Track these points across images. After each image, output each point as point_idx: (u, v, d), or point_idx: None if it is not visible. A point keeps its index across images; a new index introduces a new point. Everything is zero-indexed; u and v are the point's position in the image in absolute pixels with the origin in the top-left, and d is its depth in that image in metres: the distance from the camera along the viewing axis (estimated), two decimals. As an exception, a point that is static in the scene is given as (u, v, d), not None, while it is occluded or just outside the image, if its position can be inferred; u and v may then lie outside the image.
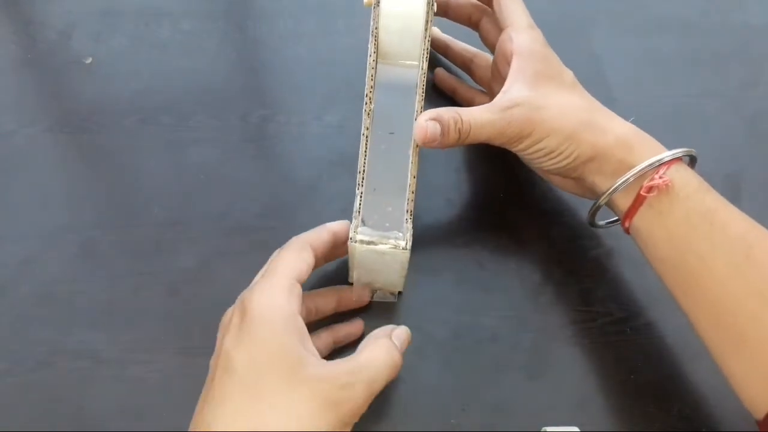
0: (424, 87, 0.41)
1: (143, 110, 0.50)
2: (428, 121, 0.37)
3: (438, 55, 0.52)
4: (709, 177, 0.39)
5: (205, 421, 0.31)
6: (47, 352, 0.41)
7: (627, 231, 0.40)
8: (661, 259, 0.38)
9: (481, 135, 0.39)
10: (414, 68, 0.42)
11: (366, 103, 0.40)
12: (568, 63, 0.47)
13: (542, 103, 0.39)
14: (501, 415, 0.40)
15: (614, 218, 0.42)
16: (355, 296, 0.41)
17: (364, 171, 0.39)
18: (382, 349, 0.34)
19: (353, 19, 0.55)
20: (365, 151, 0.39)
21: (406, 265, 0.39)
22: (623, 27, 0.56)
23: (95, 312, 0.42)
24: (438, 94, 0.51)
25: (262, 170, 0.48)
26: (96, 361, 0.40)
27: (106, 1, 0.55)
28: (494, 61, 0.44)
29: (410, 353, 0.41)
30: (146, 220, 0.45)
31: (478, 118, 0.38)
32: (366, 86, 0.40)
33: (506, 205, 0.47)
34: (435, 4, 0.42)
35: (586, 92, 0.42)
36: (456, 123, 0.38)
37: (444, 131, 0.38)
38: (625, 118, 0.40)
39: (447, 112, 0.38)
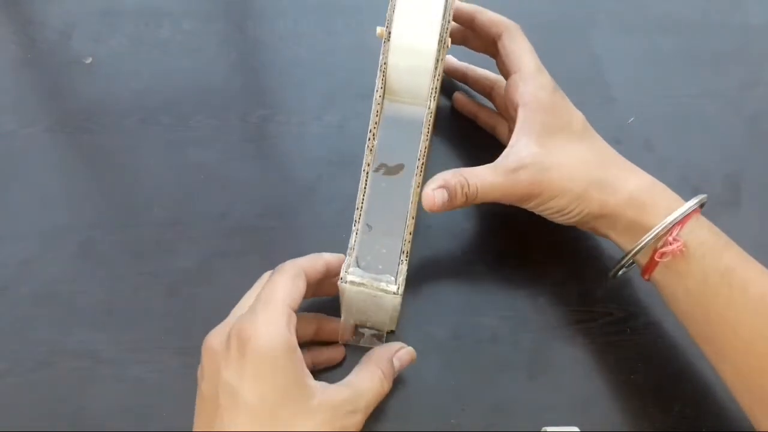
0: (431, 127, 0.40)
1: (143, 110, 0.50)
2: (435, 190, 0.37)
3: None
4: (709, 177, 0.40)
5: None
6: (47, 352, 0.41)
7: (648, 280, 0.39)
8: (684, 314, 0.38)
9: (488, 197, 0.39)
10: (422, 107, 0.40)
11: (369, 139, 0.39)
12: (568, 63, 0.47)
13: (549, 163, 0.38)
14: (501, 415, 0.40)
15: (629, 264, 0.41)
16: (339, 333, 0.40)
17: (362, 208, 0.38)
18: (376, 381, 0.36)
19: (353, 19, 0.55)
20: (364, 188, 0.38)
21: (398, 308, 0.38)
22: (623, 27, 0.56)
23: (95, 312, 0.42)
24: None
25: (262, 170, 0.48)
26: (96, 361, 0.40)
27: (106, 1, 0.55)
28: (505, 103, 0.43)
29: (410, 353, 0.41)
30: (146, 220, 0.45)
31: (485, 181, 0.38)
32: (370, 122, 0.39)
33: (506, 205, 0.47)
34: (448, 43, 0.41)
35: (597, 139, 0.41)
36: (463, 188, 0.38)
37: (451, 196, 0.38)
38: (625, 118, 0.40)
39: (453, 178, 0.38)
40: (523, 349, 0.42)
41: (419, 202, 0.38)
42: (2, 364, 0.40)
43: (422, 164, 0.39)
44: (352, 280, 0.36)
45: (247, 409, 0.31)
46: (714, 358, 0.37)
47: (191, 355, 0.40)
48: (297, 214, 0.46)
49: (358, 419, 0.34)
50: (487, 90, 0.48)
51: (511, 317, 0.43)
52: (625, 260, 0.39)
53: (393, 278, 0.36)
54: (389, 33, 0.39)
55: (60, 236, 0.44)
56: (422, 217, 0.45)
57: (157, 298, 0.42)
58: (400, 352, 0.38)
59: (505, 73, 0.43)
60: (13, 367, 0.40)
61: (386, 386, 0.36)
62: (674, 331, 0.43)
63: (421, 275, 0.44)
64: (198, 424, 0.33)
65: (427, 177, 0.39)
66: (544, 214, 0.40)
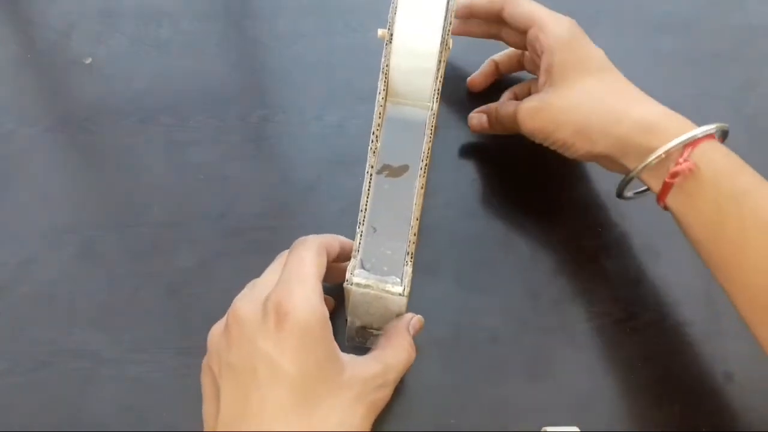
0: (433, 128, 0.40)
1: (143, 110, 0.50)
2: (478, 117, 0.47)
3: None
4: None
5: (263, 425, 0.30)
6: (47, 352, 0.41)
7: (665, 209, 0.40)
8: (697, 238, 0.38)
9: (509, 126, 0.45)
10: (424, 108, 0.41)
11: (372, 141, 0.39)
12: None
13: (554, 97, 0.41)
14: (501, 415, 0.40)
15: (642, 188, 0.42)
16: (346, 334, 0.40)
17: (366, 210, 0.38)
18: (404, 352, 0.35)
19: (353, 19, 0.55)
20: (368, 190, 0.38)
21: (404, 309, 0.38)
22: (623, 27, 0.56)
23: (95, 312, 0.42)
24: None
25: (262, 170, 0.48)
26: (96, 361, 0.40)
27: (106, 1, 0.55)
28: (532, 58, 0.46)
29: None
30: (146, 220, 0.45)
31: (507, 111, 0.45)
32: (373, 124, 0.39)
33: (506, 205, 0.47)
34: (450, 44, 0.41)
35: (613, 72, 0.42)
36: (493, 112, 0.46)
37: (490, 122, 0.46)
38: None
39: (492, 105, 0.47)
40: (523, 349, 0.42)
41: (423, 204, 0.38)
42: (2, 364, 0.40)
43: (425, 165, 0.39)
44: (358, 282, 0.36)
45: (288, 381, 0.31)
46: (724, 281, 0.37)
47: (191, 355, 0.40)
48: (297, 214, 0.46)
49: (386, 393, 0.34)
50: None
51: (511, 317, 0.43)
52: (631, 175, 0.40)
53: (399, 279, 0.36)
54: (391, 35, 0.39)
55: (60, 236, 0.44)
56: (423, 218, 0.45)
57: (157, 298, 0.42)
58: (413, 321, 0.38)
59: (532, 49, 0.45)
60: (13, 367, 0.40)
61: (413, 355, 0.36)
62: (674, 331, 0.43)
63: (421, 275, 0.43)
64: (228, 392, 0.32)
65: (430, 178, 0.39)
66: (553, 148, 0.43)
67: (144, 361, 0.41)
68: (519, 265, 0.45)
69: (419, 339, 0.41)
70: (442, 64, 0.40)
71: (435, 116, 0.40)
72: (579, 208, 0.47)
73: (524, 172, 0.48)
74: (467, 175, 0.48)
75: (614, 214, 0.46)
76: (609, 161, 0.42)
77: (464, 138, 0.49)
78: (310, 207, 0.46)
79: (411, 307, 0.43)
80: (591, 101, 0.41)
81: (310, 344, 0.31)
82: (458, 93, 0.51)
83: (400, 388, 0.40)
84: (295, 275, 0.33)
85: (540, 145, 0.45)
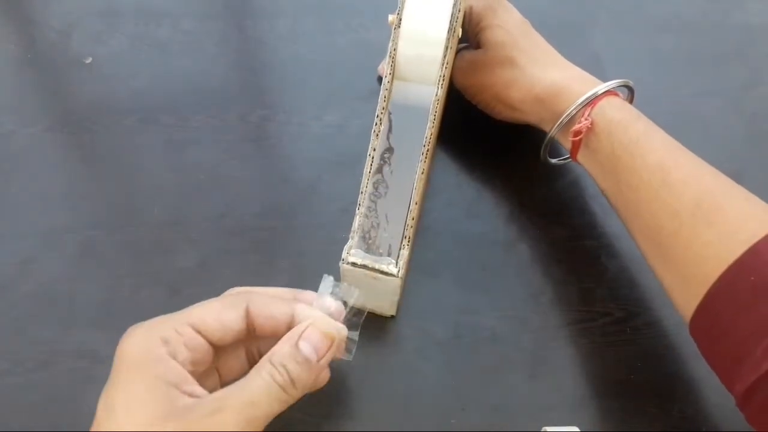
0: (437, 113, 0.40)
1: (143, 110, 0.50)
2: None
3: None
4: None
5: None
6: (47, 352, 0.41)
7: (579, 163, 0.43)
8: (603, 190, 0.41)
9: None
10: (430, 91, 0.41)
11: (376, 124, 0.39)
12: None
13: (482, 59, 0.45)
14: (501, 415, 0.40)
15: (566, 156, 0.45)
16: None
17: (366, 192, 0.38)
18: (259, 373, 0.31)
19: (353, 18, 0.55)
20: (369, 172, 0.39)
21: (398, 292, 0.38)
22: (623, 27, 0.56)
23: (95, 312, 0.42)
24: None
25: (262, 170, 0.48)
26: (96, 361, 0.40)
27: (106, 1, 0.55)
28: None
29: (410, 353, 0.41)
30: (146, 220, 0.45)
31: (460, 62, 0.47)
32: (378, 106, 0.40)
33: (506, 205, 0.47)
34: (459, 32, 0.41)
35: (533, 38, 0.45)
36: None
37: None
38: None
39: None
40: (523, 349, 0.42)
41: (423, 189, 0.38)
42: (2, 364, 0.40)
43: (428, 151, 0.39)
44: (354, 261, 0.36)
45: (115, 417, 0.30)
46: (628, 226, 0.40)
47: (191, 355, 0.40)
48: (297, 214, 0.46)
49: (227, 417, 0.29)
50: None
51: (511, 317, 0.43)
52: (547, 139, 0.43)
53: (394, 261, 0.36)
54: (400, 20, 0.39)
55: (60, 236, 0.44)
56: (422, 218, 0.46)
57: (157, 298, 0.42)
58: (305, 333, 0.32)
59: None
60: (13, 367, 0.40)
61: (275, 377, 0.31)
62: (674, 331, 0.43)
63: (421, 275, 0.44)
64: None
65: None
66: (480, 108, 0.47)
67: (144, 361, 0.40)
68: (519, 265, 0.45)
69: (420, 339, 0.41)
70: (450, 51, 0.40)
71: (440, 102, 0.40)
72: (579, 208, 0.47)
73: (524, 172, 0.48)
74: (468, 175, 0.48)
75: (614, 214, 0.46)
76: (526, 122, 0.45)
77: (465, 138, 0.49)
78: (310, 207, 0.46)
79: (411, 307, 0.43)
80: (512, 68, 0.43)
81: (131, 380, 0.30)
82: (458, 92, 0.51)
83: (400, 388, 0.40)
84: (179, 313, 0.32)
85: (539, 146, 0.45)
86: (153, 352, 0.30)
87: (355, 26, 0.54)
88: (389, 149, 0.39)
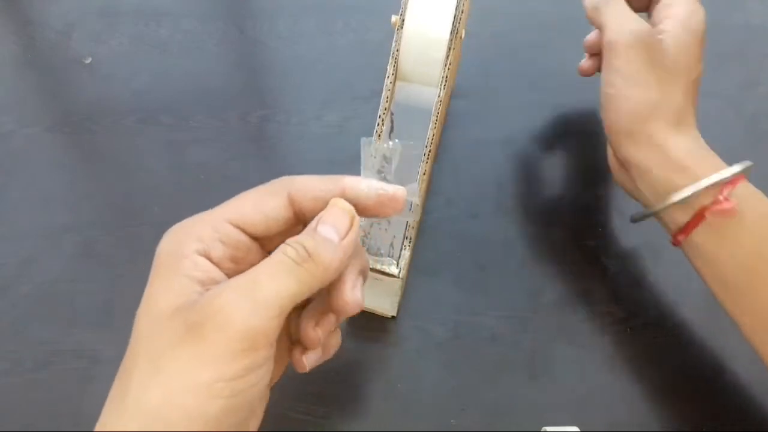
0: (439, 115, 0.40)
1: (143, 110, 0.50)
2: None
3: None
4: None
5: None
6: (47, 352, 0.41)
7: (676, 244, 0.38)
8: (724, 282, 0.36)
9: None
10: (432, 92, 0.40)
11: (378, 124, 0.39)
12: (568, 63, 0.47)
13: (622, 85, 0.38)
14: (501, 415, 0.40)
15: (649, 213, 0.39)
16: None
17: None
18: (271, 255, 0.27)
19: (353, 19, 0.55)
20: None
21: (398, 292, 0.38)
22: (623, 27, 0.56)
23: (95, 312, 0.42)
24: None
25: (262, 170, 0.48)
26: (96, 361, 0.40)
27: (105, 1, 0.55)
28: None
29: (410, 353, 0.41)
30: (146, 220, 0.45)
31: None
32: (380, 107, 0.40)
33: (507, 205, 0.47)
34: (462, 33, 0.41)
35: (679, 87, 0.39)
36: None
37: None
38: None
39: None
40: (523, 349, 0.42)
41: (426, 189, 0.38)
42: (2, 364, 0.40)
43: (430, 152, 0.39)
44: None
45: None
46: (743, 318, 0.36)
47: (191, 355, 0.40)
48: (297, 214, 0.46)
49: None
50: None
51: (511, 317, 0.43)
52: (658, 209, 0.37)
53: (395, 261, 0.36)
54: (402, 21, 0.39)
55: (60, 236, 0.44)
56: (422, 218, 0.45)
57: (157, 298, 0.42)
58: (322, 214, 0.28)
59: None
60: (13, 367, 0.40)
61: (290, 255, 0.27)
62: (674, 331, 0.43)
63: (421, 275, 0.44)
64: None
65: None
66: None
67: (144, 361, 0.40)
68: (519, 265, 0.45)
69: (420, 339, 0.41)
70: (453, 52, 0.40)
71: (442, 103, 0.40)
72: (579, 208, 0.47)
73: (524, 172, 0.48)
74: (468, 175, 0.48)
75: (614, 214, 0.46)
76: (622, 181, 0.40)
77: (465, 138, 0.49)
78: (310, 207, 0.46)
79: (411, 306, 0.43)
80: (642, 108, 0.37)
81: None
82: (458, 93, 0.51)
83: (400, 388, 0.40)
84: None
85: (539, 146, 0.45)
86: (183, 249, 0.28)
87: (355, 26, 0.54)
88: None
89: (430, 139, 0.39)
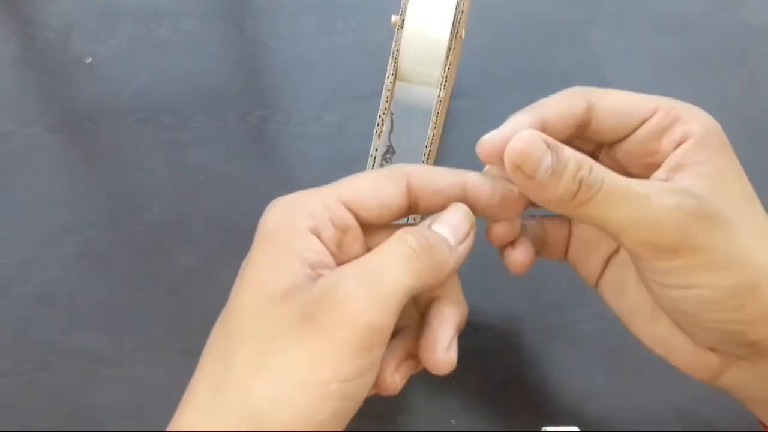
0: (438, 115, 0.40)
1: (143, 110, 0.50)
2: (534, 139, 0.24)
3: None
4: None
5: None
6: (47, 352, 0.41)
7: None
8: None
9: (612, 212, 0.24)
10: (432, 92, 0.40)
11: (378, 125, 0.39)
12: (568, 63, 0.47)
13: (726, 211, 0.26)
14: (501, 415, 0.40)
15: None
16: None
17: None
18: (387, 243, 0.25)
19: (353, 19, 0.55)
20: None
21: None
22: (623, 27, 0.56)
23: (95, 312, 0.42)
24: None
25: (262, 170, 0.48)
26: (96, 361, 0.40)
27: (105, 1, 0.55)
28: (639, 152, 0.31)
29: (410, 353, 0.41)
30: (146, 220, 0.45)
31: (622, 184, 0.24)
32: (380, 107, 0.40)
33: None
34: (462, 34, 0.41)
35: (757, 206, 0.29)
36: (579, 168, 0.24)
37: (555, 170, 0.24)
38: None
39: (571, 150, 0.25)
40: (523, 349, 0.42)
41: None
42: (2, 364, 0.40)
43: (429, 152, 0.39)
44: None
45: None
46: None
47: (192, 355, 0.40)
48: (297, 214, 0.46)
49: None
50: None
51: (511, 317, 0.43)
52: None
53: None
54: (402, 21, 0.39)
55: (60, 236, 0.44)
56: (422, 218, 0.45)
57: (157, 298, 0.42)
58: (442, 214, 0.26)
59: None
60: (13, 367, 0.40)
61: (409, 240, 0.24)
62: (674, 331, 0.43)
63: (421, 275, 0.43)
64: None
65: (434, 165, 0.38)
66: (670, 291, 0.27)
67: (144, 361, 0.40)
68: (519, 265, 0.45)
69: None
70: (453, 52, 0.40)
71: (442, 103, 0.40)
72: (579, 208, 0.47)
73: (524, 172, 0.48)
74: (467, 175, 0.48)
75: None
76: (747, 353, 0.28)
77: (465, 138, 0.49)
78: (310, 207, 0.46)
79: (411, 307, 0.43)
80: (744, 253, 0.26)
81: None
82: (458, 93, 0.51)
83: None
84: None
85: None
86: (295, 225, 0.25)
87: (355, 26, 0.54)
88: (391, 150, 0.39)
89: (430, 139, 0.39)
